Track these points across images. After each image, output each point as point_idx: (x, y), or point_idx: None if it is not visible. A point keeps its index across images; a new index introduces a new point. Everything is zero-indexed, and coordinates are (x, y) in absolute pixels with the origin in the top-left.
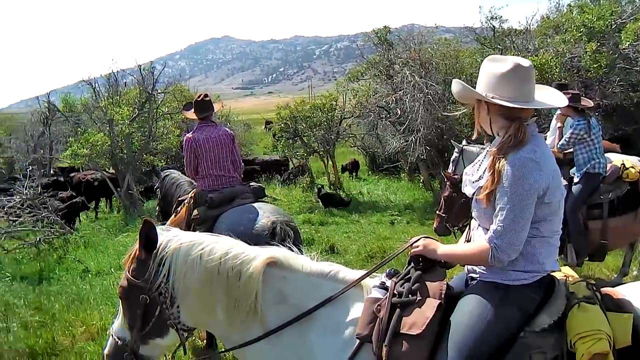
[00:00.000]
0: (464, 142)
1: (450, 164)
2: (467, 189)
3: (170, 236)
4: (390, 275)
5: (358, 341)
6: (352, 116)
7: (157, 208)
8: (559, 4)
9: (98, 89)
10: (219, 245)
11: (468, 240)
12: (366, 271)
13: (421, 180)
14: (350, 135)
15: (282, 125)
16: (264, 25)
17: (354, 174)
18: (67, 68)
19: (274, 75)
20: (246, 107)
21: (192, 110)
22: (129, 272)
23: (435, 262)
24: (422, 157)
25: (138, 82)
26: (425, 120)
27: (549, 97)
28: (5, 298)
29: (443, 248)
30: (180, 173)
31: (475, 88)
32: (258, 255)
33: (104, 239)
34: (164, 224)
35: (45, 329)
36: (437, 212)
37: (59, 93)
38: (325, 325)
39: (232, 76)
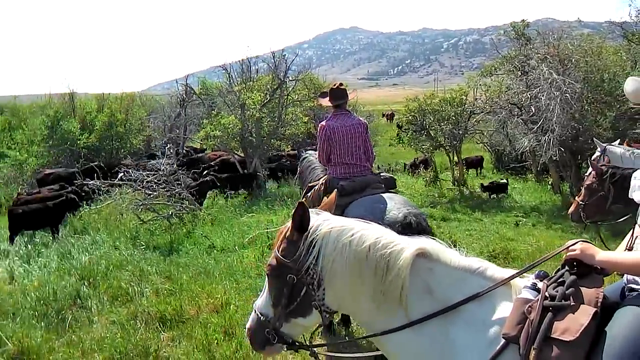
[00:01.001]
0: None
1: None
2: (636, 194)
3: (321, 220)
4: (540, 277)
5: (503, 341)
6: (483, 112)
7: (300, 188)
8: None
9: (232, 74)
10: (369, 232)
11: (630, 249)
12: (516, 270)
13: (550, 183)
14: (478, 132)
15: (410, 117)
16: (392, 17)
17: (479, 169)
18: (203, 54)
19: (399, 67)
20: (371, 98)
21: (327, 98)
22: (278, 251)
23: (592, 268)
24: (554, 158)
25: (270, 69)
26: (560, 119)
27: None
28: (140, 265)
29: (602, 254)
30: (316, 157)
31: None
32: (408, 247)
33: (230, 218)
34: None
35: (174, 297)
36: (576, 197)
37: (195, 77)
38: (471, 321)
39: (358, 66)
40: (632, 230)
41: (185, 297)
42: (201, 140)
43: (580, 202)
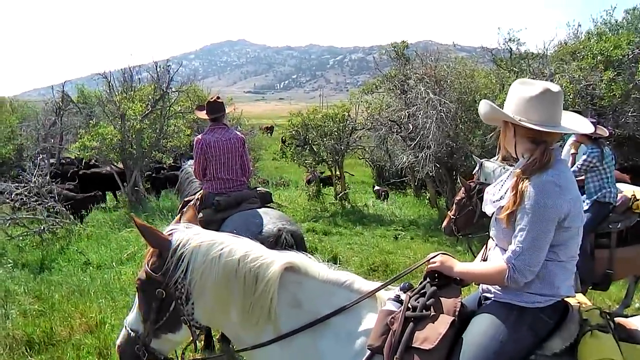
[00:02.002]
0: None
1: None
2: (488, 208)
3: (191, 234)
4: (404, 289)
5: (369, 352)
6: (364, 128)
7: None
8: (577, 31)
9: (113, 82)
10: (239, 246)
11: (485, 260)
12: (381, 283)
13: (427, 197)
14: (360, 147)
15: (293, 132)
16: (280, 31)
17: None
18: (82, 60)
19: (286, 82)
20: (257, 112)
21: (204, 111)
22: (148, 265)
23: (451, 279)
24: (431, 174)
25: (153, 79)
26: (436, 137)
27: (575, 122)
28: (5, 284)
29: (460, 266)
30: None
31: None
32: (276, 260)
33: (107, 233)
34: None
35: (44, 318)
36: (449, 212)
37: (73, 84)
38: (338, 333)
39: (245, 80)
40: (486, 242)
41: (56, 317)
42: (78, 151)
43: (452, 217)
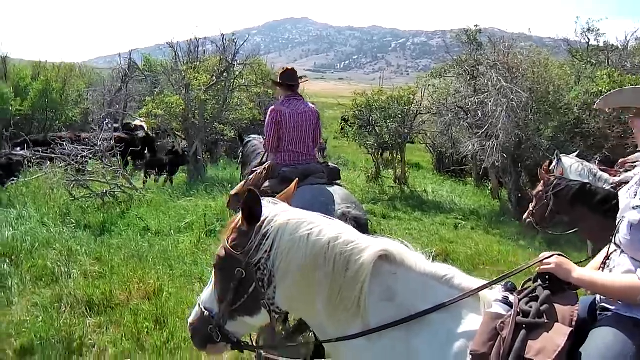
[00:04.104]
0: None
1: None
2: (632, 214)
3: (278, 210)
4: (508, 290)
5: (471, 357)
6: (429, 112)
7: (241, 173)
8: None
9: (179, 52)
10: (329, 227)
11: (603, 265)
12: (486, 281)
13: (489, 188)
14: (421, 132)
15: (357, 112)
16: (343, 11)
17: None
18: (147, 31)
19: (346, 62)
20: (316, 91)
21: (279, 83)
22: (228, 241)
23: (565, 284)
24: (497, 164)
25: (219, 50)
26: (505, 126)
27: None
28: (68, 244)
29: (580, 272)
30: (262, 141)
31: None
32: (371, 246)
33: (166, 201)
34: None
35: (103, 280)
36: (530, 205)
37: (139, 53)
38: (436, 332)
39: (306, 58)
40: (607, 247)
41: (115, 281)
42: (142, 118)
43: (531, 209)
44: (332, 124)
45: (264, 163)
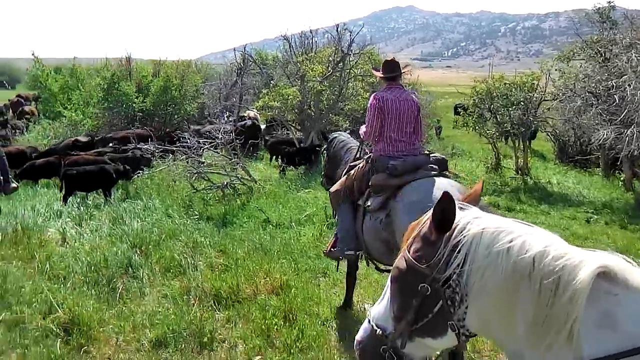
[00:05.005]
0: None
1: None
2: None
3: (469, 217)
4: None
5: None
6: (556, 99)
7: (323, 173)
8: None
9: (294, 44)
10: (533, 238)
11: None
12: None
13: (622, 179)
14: (543, 120)
15: (477, 100)
16: None
17: None
18: (253, 27)
19: (454, 50)
20: (424, 79)
21: (380, 71)
22: (409, 252)
23: None
24: (637, 152)
25: (334, 41)
26: None
27: None
28: (193, 236)
29: None
30: (349, 136)
31: None
32: (586, 262)
33: (285, 192)
34: (327, 190)
35: (229, 273)
36: None
37: (249, 48)
38: None
39: (412, 46)
40: None
41: (241, 274)
42: (258, 110)
43: None
44: (446, 112)
45: (362, 157)
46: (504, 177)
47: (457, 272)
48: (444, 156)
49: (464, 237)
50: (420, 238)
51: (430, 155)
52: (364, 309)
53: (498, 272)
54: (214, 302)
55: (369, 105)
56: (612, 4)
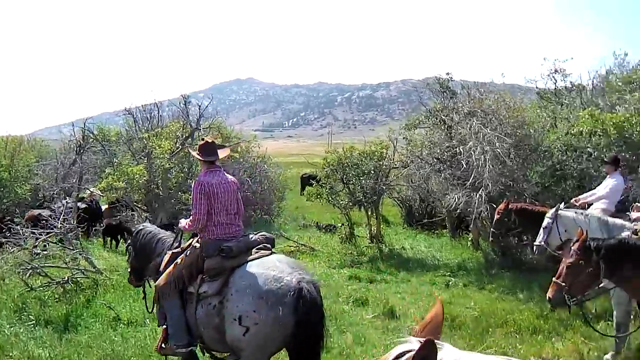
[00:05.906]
0: (561, 205)
1: (541, 232)
2: None
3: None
4: None
5: None
6: (406, 167)
7: (129, 268)
8: (624, 61)
9: (137, 119)
10: None
11: None
12: None
13: (469, 239)
14: (398, 186)
15: (328, 171)
16: (289, 70)
17: None
18: (93, 100)
19: (294, 120)
20: (266, 151)
21: (197, 151)
22: None
23: None
24: (484, 214)
25: (181, 115)
26: (492, 175)
27: None
28: (28, 348)
29: None
30: (157, 227)
31: None
32: None
33: None
34: (138, 286)
35: None
36: (555, 279)
37: (93, 120)
38: None
39: (254, 118)
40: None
41: None
42: (102, 192)
43: (563, 284)
44: (294, 183)
45: (182, 244)
46: (360, 247)
47: None
48: (271, 234)
49: None
50: None
51: (261, 234)
52: None
53: None
54: None
55: (193, 192)
56: (450, 75)
